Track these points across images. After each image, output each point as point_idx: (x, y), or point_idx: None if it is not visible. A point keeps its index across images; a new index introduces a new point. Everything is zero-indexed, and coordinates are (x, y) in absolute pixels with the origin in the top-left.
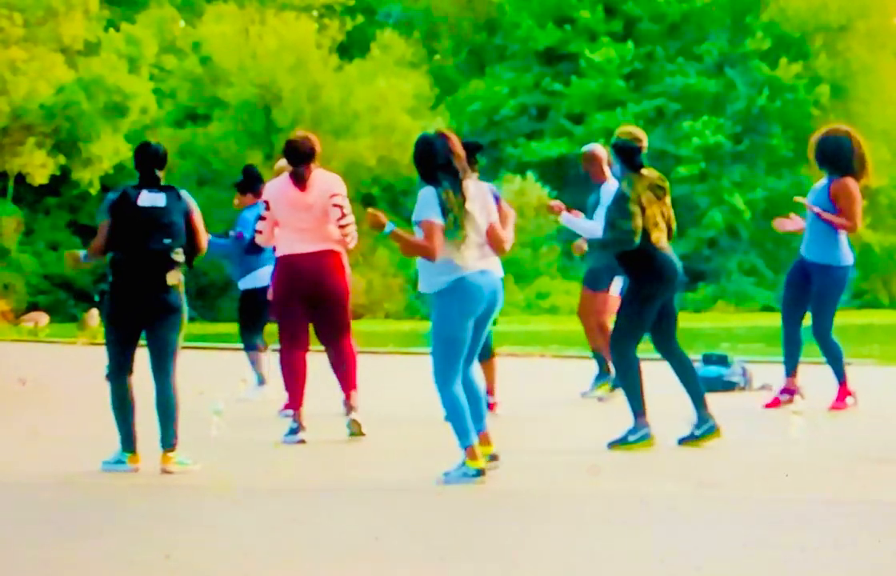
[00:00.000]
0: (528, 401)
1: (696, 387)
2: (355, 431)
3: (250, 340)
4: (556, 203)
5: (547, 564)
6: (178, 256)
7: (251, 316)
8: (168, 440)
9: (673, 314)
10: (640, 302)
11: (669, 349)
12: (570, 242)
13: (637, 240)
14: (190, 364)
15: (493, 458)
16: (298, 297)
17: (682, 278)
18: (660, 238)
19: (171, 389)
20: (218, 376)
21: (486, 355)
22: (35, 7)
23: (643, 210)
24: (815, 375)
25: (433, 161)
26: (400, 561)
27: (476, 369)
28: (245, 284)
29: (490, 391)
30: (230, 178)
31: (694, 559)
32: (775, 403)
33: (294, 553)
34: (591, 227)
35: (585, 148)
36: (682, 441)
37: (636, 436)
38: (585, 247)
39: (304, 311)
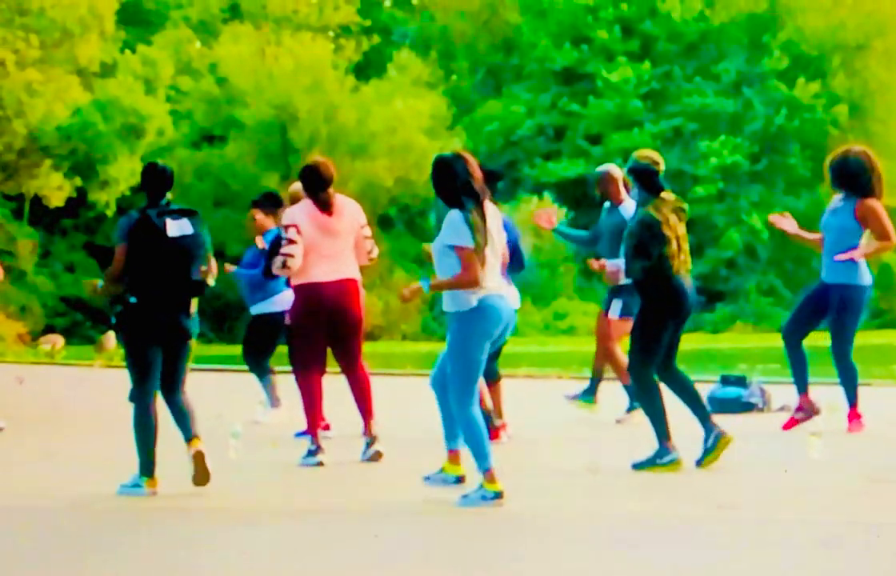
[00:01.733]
0: (546, 423)
1: (700, 405)
2: (374, 459)
3: (261, 364)
4: (545, 213)
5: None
6: (209, 281)
7: (264, 341)
8: (191, 431)
9: (677, 342)
10: (656, 327)
11: (670, 374)
12: (588, 259)
13: (670, 268)
14: (207, 387)
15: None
16: (321, 323)
17: (695, 302)
18: (680, 266)
19: (185, 396)
20: (235, 399)
21: (493, 377)
22: (51, 28)
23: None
24: (831, 395)
25: (454, 182)
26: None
27: (482, 388)
28: (259, 308)
29: (498, 413)
30: (247, 199)
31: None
32: (792, 424)
33: None
34: (587, 238)
35: (600, 169)
36: (701, 462)
37: (664, 460)
38: (622, 277)
39: (323, 336)
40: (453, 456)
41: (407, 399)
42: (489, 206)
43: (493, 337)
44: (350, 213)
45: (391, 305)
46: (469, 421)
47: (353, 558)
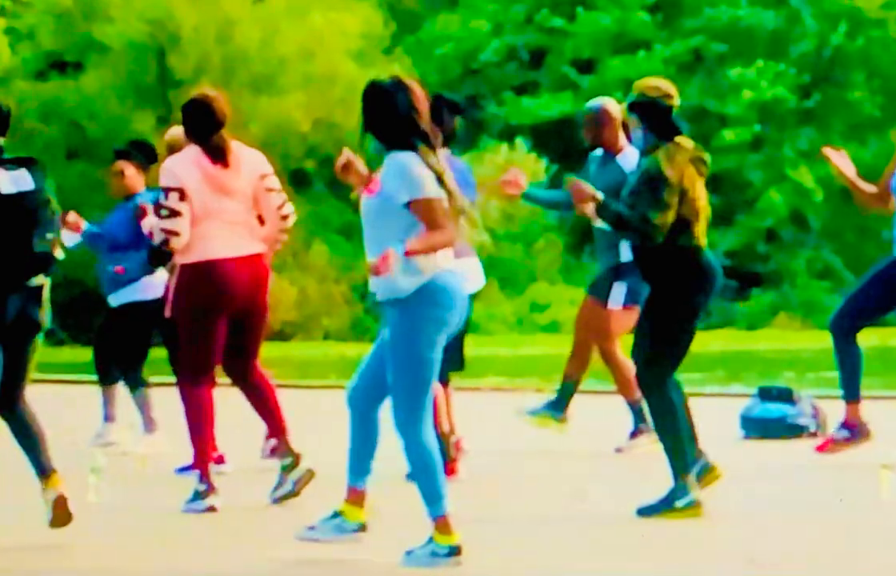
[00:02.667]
0: (519, 452)
1: (688, 424)
2: (301, 486)
3: (132, 373)
4: (513, 175)
5: None
6: (57, 253)
7: (132, 342)
8: (46, 465)
9: None
10: (678, 319)
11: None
12: (577, 231)
13: (660, 238)
14: (57, 402)
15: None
16: (217, 316)
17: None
18: (702, 233)
19: (27, 410)
20: (94, 420)
21: (442, 378)
22: None
23: (684, 195)
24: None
25: (393, 115)
26: None
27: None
28: (120, 297)
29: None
30: (110, 149)
31: None
32: (829, 446)
33: None
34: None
35: (591, 105)
36: (643, 512)
37: (682, 502)
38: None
39: (219, 334)
40: (355, 496)
41: (333, 420)
42: (442, 154)
43: (450, 327)
44: (249, 164)
45: (309, 294)
46: (419, 449)
47: None
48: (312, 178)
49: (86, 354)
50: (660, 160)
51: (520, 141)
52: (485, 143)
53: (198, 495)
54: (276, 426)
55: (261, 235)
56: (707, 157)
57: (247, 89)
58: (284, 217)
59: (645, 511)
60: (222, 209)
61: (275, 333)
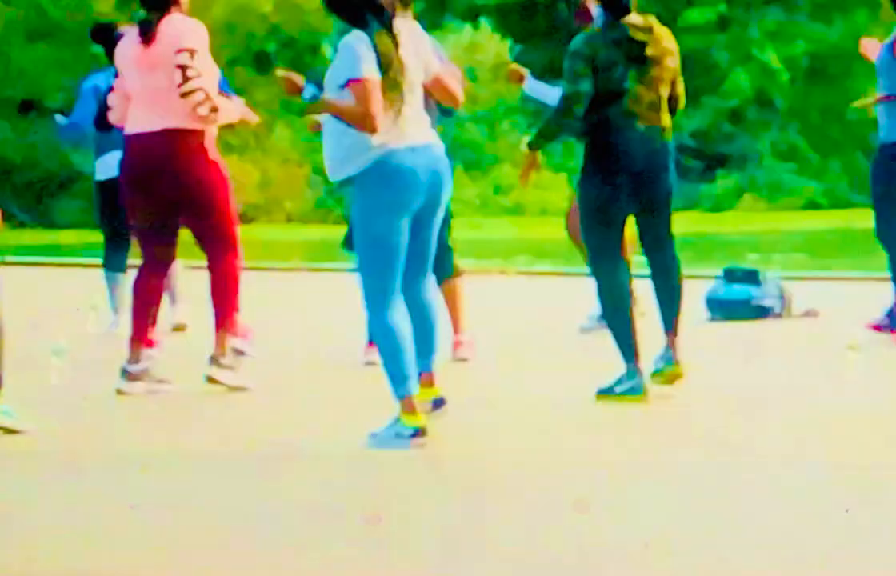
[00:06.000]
0: (483, 339)
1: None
2: (210, 380)
3: (114, 253)
4: (516, 68)
5: (505, 555)
6: None
7: (113, 216)
8: None
9: (655, 226)
10: (595, 195)
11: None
12: (540, 114)
13: (579, 109)
14: (20, 285)
15: (439, 403)
16: (149, 194)
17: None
18: (642, 113)
19: None
20: (57, 303)
21: (445, 273)
22: None
23: (598, 71)
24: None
25: None
26: (300, 547)
27: (434, 291)
28: (101, 173)
29: (454, 327)
30: (71, 31)
31: (683, 543)
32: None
33: (149, 537)
34: None
35: None
36: (600, 393)
37: (624, 387)
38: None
39: (160, 213)
40: (427, 379)
41: (296, 303)
42: (405, 23)
43: (414, 207)
44: (170, 37)
45: (271, 176)
46: (384, 330)
47: (207, 517)
48: (275, 59)
49: (43, 235)
50: (578, 38)
51: (483, 21)
52: (448, 23)
53: (125, 373)
54: (218, 319)
55: (184, 112)
56: (654, 35)
57: None
58: (186, 95)
59: (601, 391)
60: (143, 86)
61: (239, 217)
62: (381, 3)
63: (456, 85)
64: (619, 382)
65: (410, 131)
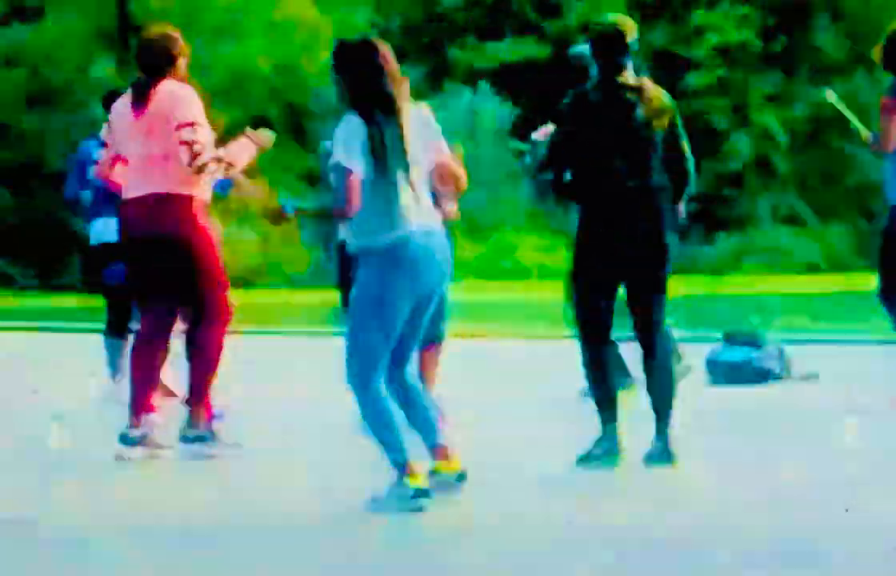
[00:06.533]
0: (477, 404)
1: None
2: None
3: (115, 318)
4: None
5: None
6: None
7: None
8: None
9: (641, 304)
10: (582, 268)
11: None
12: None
13: (539, 176)
14: (20, 350)
15: (462, 478)
16: (145, 260)
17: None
18: (615, 170)
19: None
20: (56, 368)
21: (437, 339)
22: None
23: (584, 129)
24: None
25: (355, 82)
26: None
27: (415, 370)
28: (96, 236)
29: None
30: (72, 96)
31: None
32: None
33: None
34: None
35: (575, 51)
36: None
37: (601, 450)
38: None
39: (156, 279)
40: (443, 453)
41: (296, 368)
42: (415, 110)
43: (421, 292)
44: (159, 105)
45: (271, 240)
46: (372, 401)
47: None
48: (274, 124)
49: (51, 300)
50: (568, 96)
51: (483, 85)
52: (448, 87)
53: (128, 440)
54: (195, 384)
55: (169, 178)
56: (647, 92)
57: (208, 35)
58: (199, 170)
59: (580, 459)
60: (136, 152)
61: (238, 281)
62: (389, 92)
63: (460, 169)
64: (597, 444)
65: (424, 215)
